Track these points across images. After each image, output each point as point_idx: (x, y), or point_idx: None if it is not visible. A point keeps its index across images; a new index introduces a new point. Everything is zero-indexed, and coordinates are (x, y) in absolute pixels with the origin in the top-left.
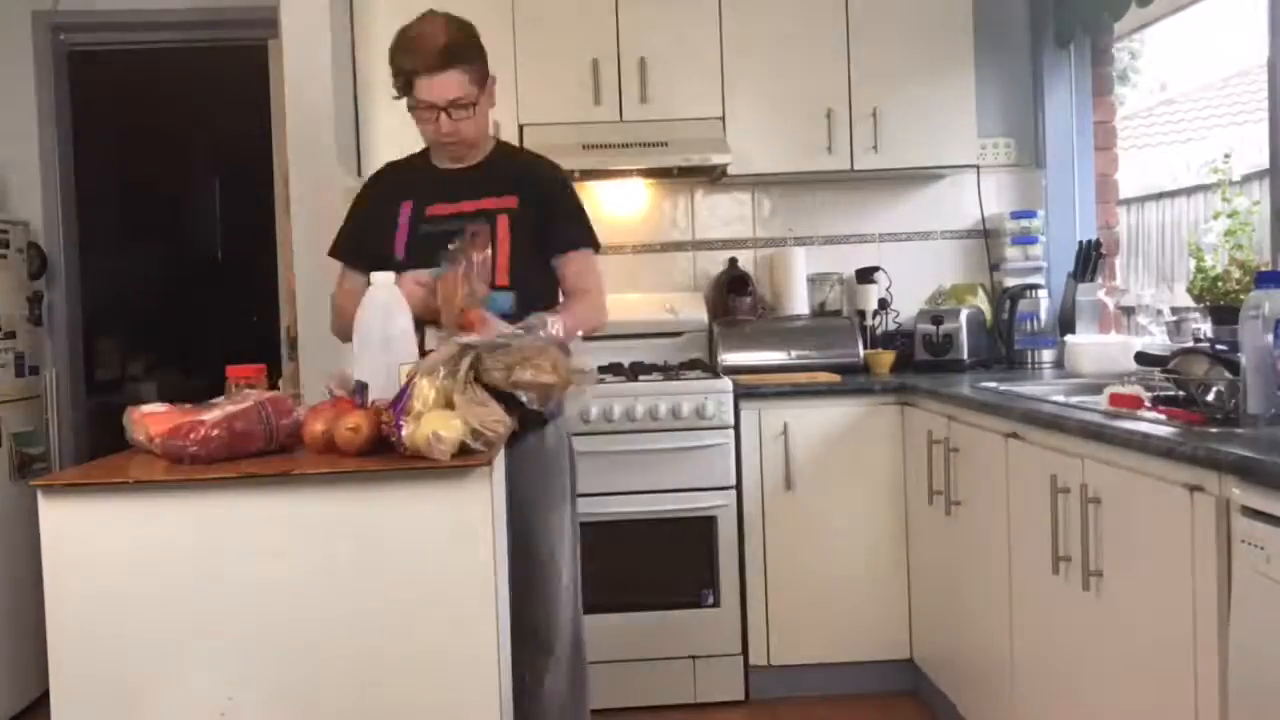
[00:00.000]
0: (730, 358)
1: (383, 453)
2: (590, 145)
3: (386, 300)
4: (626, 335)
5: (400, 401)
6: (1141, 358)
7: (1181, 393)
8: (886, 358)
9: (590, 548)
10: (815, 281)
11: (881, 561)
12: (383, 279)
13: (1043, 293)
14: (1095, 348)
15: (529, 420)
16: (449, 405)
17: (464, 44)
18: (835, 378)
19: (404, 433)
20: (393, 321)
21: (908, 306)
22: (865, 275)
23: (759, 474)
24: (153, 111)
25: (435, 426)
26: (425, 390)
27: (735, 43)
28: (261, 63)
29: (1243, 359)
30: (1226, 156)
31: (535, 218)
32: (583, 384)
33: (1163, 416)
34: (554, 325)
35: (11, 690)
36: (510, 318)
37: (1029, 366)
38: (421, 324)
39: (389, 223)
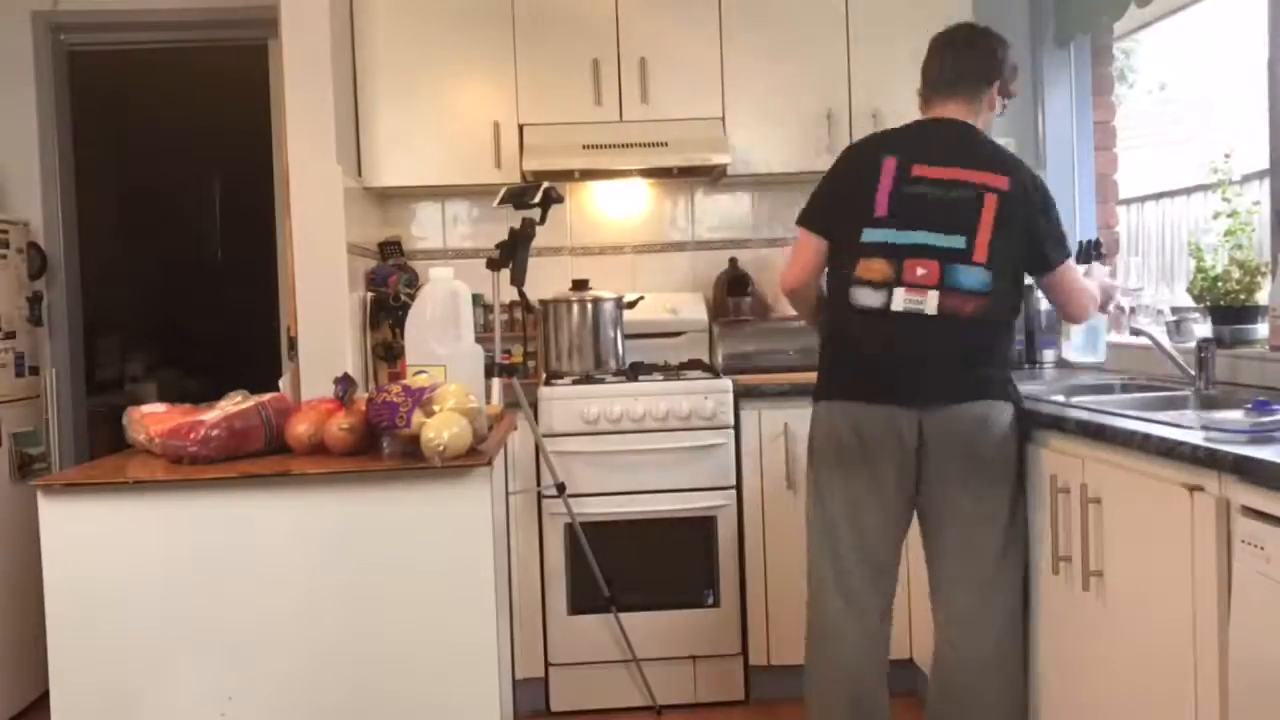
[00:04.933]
0: (730, 358)
1: (371, 451)
2: (590, 145)
3: (455, 289)
4: (626, 335)
5: (423, 393)
6: None
7: None
8: None
9: (591, 548)
10: None
11: None
12: (443, 273)
13: None
14: None
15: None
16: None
17: None
18: None
19: (412, 419)
20: (463, 307)
21: None
22: None
23: (759, 474)
24: (152, 111)
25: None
26: (452, 394)
27: (735, 43)
28: (261, 63)
29: None
30: (1226, 156)
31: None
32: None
33: (1164, 416)
34: None
35: (11, 690)
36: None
37: (1029, 366)
38: None
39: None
